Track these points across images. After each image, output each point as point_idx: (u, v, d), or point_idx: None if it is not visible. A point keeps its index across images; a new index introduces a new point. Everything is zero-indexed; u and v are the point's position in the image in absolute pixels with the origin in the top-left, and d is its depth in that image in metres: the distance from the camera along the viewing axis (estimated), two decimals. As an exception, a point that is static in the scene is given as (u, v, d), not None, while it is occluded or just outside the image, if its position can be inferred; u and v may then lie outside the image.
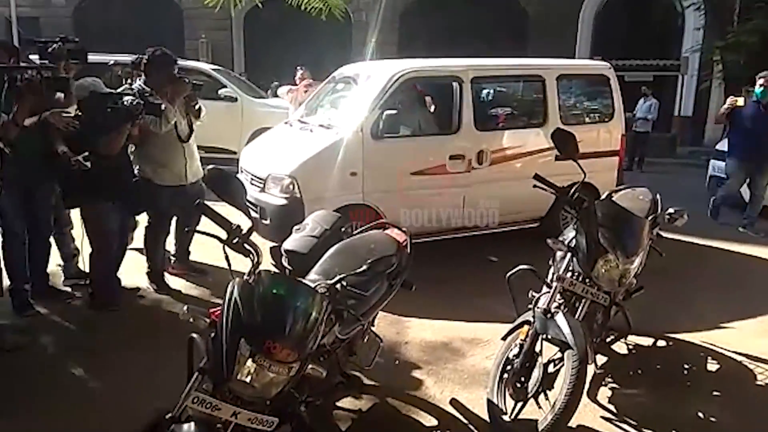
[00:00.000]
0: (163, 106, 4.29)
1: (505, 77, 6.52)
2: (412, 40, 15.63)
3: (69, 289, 4.76)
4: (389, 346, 3.91)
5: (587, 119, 6.66)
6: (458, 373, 3.78)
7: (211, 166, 2.33)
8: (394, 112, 5.33)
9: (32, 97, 3.40)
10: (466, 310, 4.71)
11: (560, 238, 3.40)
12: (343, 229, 3.40)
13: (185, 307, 2.15)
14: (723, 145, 8.85)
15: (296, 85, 8.83)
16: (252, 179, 5.56)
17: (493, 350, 4.00)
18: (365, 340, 3.20)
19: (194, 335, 2.31)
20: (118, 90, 4.38)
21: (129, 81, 5.52)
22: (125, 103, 3.94)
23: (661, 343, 4.26)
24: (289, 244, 3.13)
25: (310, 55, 14.33)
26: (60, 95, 3.99)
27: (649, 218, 3.47)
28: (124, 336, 4.11)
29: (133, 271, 4.88)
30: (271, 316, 2.11)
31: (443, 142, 5.72)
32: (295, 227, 3.31)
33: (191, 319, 2.13)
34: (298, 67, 8.99)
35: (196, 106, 4.77)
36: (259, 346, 2.02)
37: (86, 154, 4.03)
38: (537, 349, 3.09)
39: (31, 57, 4.64)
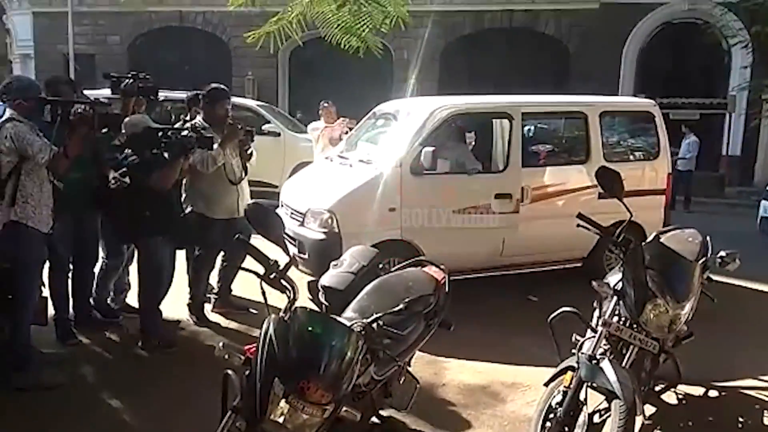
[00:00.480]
0: (215, 146, 4.38)
1: (550, 114, 6.46)
2: (453, 78, 15.71)
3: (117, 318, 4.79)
4: (426, 388, 3.80)
5: (632, 157, 6.52)
6: (498, 419, 3.64)
7: (251, 201, 2.34)
8: (433, 148, 5.31)
9: (84, 130, 3.47)
10: (505, 351, 4.57)
11: (606, 281, 3.28)
12: (381, 266, 3.36)
13: (220, 343, 2.13)
14: None
15: (320, 120, 8.48)
16: (292, 213, 5.58)
17: (534, 396, 3.86)
18: (401, 381, 3.12)
19: (229, 372, 2.29)
20: (176, 125, 4.49)
21: (183, 117, 5.65)
22: (178, 137, 4.02)
23: (713, 393, 4.03)
24: (326, 280, 3.09)
25: (352, 91, 14.57)
26: None
27: (700, 261, 3.32)
28: (162, 369, 4.11)
29: (172, 304, 4.90)
30: (306, 355, 2.07)
31: (488, 181, 5.66)
32: (333, 263, 3.28)
33: (226, 356, 2.10)
34: (323, 102, 8.54)
35: (249, 150, 4.85)
36: (293, 386, 1.98)
37: (124, 170, 4.10)
38: (582, 397, 2.95)
39: (86, 92, 4.79)
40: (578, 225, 3.13)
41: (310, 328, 2.13)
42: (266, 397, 1.98)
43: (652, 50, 15.83)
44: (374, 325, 2.38)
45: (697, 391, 4.00)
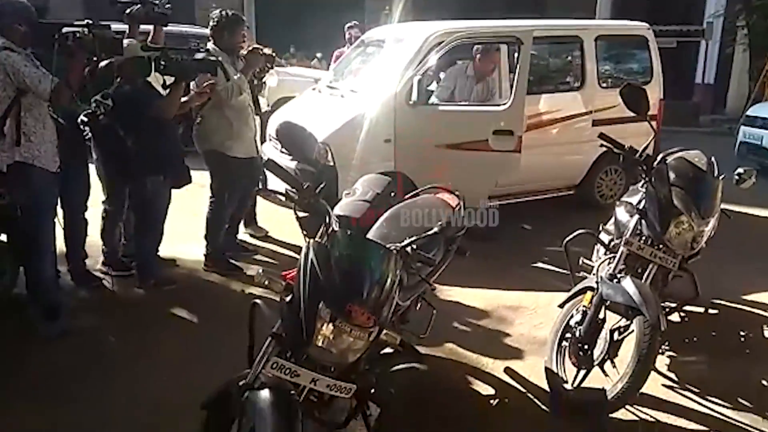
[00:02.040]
0: (236, 76, 4.14)
1: (555, 38, 6.23)
2: (427, 6, 15.28)
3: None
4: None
5: (625, 82, 6.42)
6: (509, 342, 3.70)
7: (282, 121, 2.21)
8: (429, 77, 5.15)
9: (84, 56, 3.17)
10: (506, 278, 4.64)
11: (626, 200, 3.26)
12: (393, 194, 3.27)
13: (260, 269, 2.05)
14: (755, 110, 8.69)
15: None
16: (282, 147, 5.40)
17: (540, 319, 3.93)
18: (418, 307, 3.10)
19: (257, 301, 2.22)
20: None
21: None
22: (179, 60, 3.70)
23: (712, 310, 4.14)
24: (340, 209, 3.00)
25: (323, 25, 14.03)
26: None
27: (721, 178, 3.29)
28: (170, 311, 4.01)
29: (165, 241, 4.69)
30: (351, 278, 2.01)
31: (488, 115, 5.21)
32: (345, 192, 3.19)
33: (266, 281, 2.02)
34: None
35: (264, 80, 4.61)
36: (339, 309, 1.92)
37: (105, 92, 3.81)
38: (601, 315, 2.98)
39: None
40: (601, 145, 3.09)
41: (351, 252, 2.06)
42: (312, 322, 1.91)
43: (629, -23, 15.56)
44: (408, 249, 2.31)
45: (697, 308, 4.09)
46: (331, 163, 4.97)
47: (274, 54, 4.63)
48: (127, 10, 4.19)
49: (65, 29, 3.24)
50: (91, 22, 3.23)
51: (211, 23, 4.37)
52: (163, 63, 3.59)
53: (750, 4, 12.67)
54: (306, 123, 5.42)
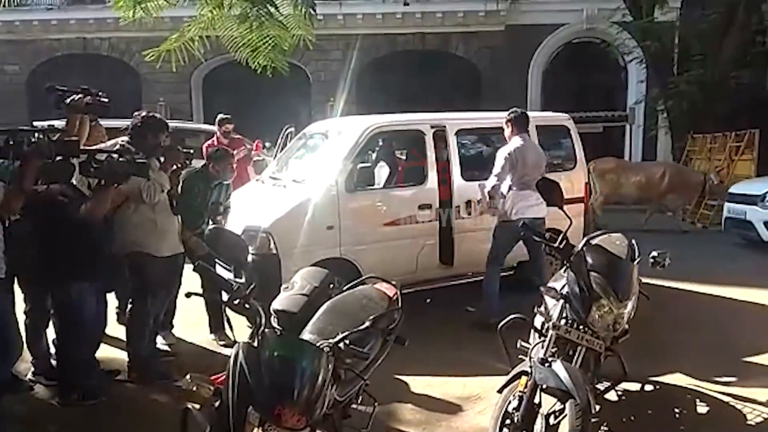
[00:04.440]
0: (153, 175, 4.02)
1: (472, 130, 6.64)
2: (370, 99, 15.94)
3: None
4: (381, 407, 3.77)
5: (551, 168, 6.80)
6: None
7: (212, 225, 2.27)
8: (367, 164, 5.38)
9: (39, 161, 3.04)
10: (452, 363, 4.65)
11: (551, 285, 3.40)
12: (332, 286, 3.33)
13: (188, 375, 2.04)
14: (737, 188, 9.28)
15: None
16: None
17: (485, 405, 3.94)
18: (359, 401, 3.09)
19: (189, 406, 2.19)
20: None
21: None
22: (109, 162, 3.56)
23: (648, 387, 4.25)
24: (278, 304, 3.03)
25: (270, 115, 14.43)
26: None
27: (635, 262, 3.51)
28: (95, 425, 3.80)
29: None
30: (280, 380, 2.03)
31: (415, 193, 5.78)
32: (283, 286, 3.23)
33: (194, 388, 2.02)
34: None
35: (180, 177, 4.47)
36: (268, 413, 1.93)
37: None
38: (536, 400, 3.04)
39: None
40: (523, 234, 3.25)
41: (281, 352, 2.08)
42: (240, 427, 1.91)
43: (556, 68, 16.74)
44: (341, 344, 2.35)
45: (633, 386, 4.19)
46: (274, 252, 5.04)
47: (191, 151, 4.54)
48: (67, 100, 3.91)
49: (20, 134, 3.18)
50: (47, 125, 3.18)
51: (133, 122, 4.24)
52: (93, 166, 3.41)
53: (666, 90, 13.73)
54: (249, 214, 5.52)
